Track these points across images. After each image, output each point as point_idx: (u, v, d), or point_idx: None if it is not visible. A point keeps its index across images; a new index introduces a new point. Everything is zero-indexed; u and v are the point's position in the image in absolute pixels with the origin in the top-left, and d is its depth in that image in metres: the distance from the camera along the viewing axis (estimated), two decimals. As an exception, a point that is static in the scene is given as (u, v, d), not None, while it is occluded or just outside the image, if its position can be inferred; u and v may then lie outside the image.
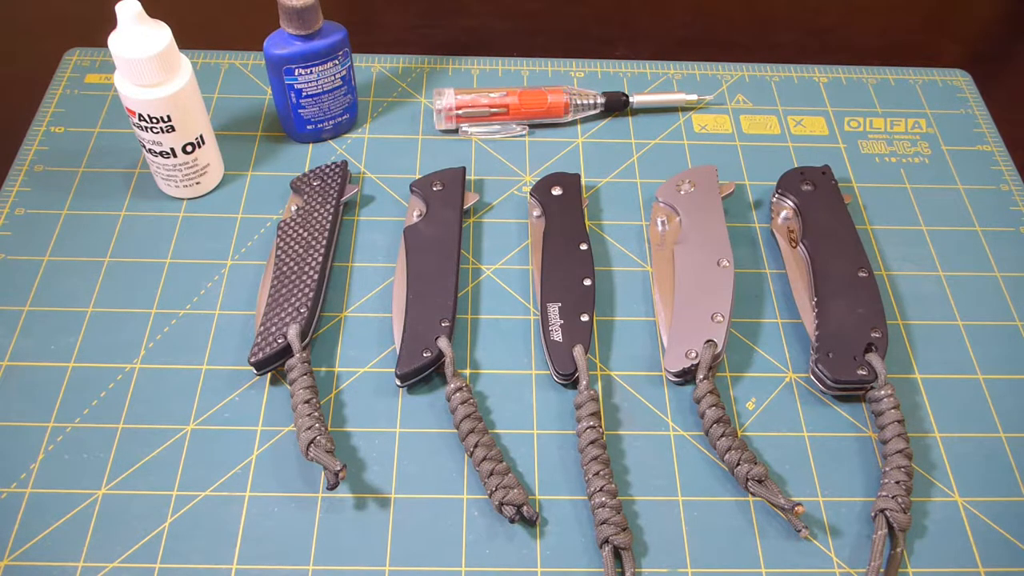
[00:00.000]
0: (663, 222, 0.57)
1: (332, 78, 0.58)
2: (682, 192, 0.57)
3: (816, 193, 0.57)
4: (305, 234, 0.54)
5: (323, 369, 0.50)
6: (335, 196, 0.56)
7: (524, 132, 0.63)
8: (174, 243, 0.56)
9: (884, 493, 0.45)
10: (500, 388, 0.50)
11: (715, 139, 0.64)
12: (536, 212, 0.57)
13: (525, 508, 0.44)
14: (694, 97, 0.65)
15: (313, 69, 0.57)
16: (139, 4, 0.49)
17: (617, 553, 0.43)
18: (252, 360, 0.48)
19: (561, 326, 0.50)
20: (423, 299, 0.51)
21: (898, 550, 0.44)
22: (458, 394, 0.47)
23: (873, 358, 0.49)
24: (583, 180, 0.60)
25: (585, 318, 0.51)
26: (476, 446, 0.46)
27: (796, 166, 0.60)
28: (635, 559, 0.44)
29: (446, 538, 0.44)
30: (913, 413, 0.50)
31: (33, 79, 0.66)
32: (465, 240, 0.56)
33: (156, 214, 0.57)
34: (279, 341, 0.49)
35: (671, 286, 0.53)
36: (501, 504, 0.44)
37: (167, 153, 0.55)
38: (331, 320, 0.52)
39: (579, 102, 0.63)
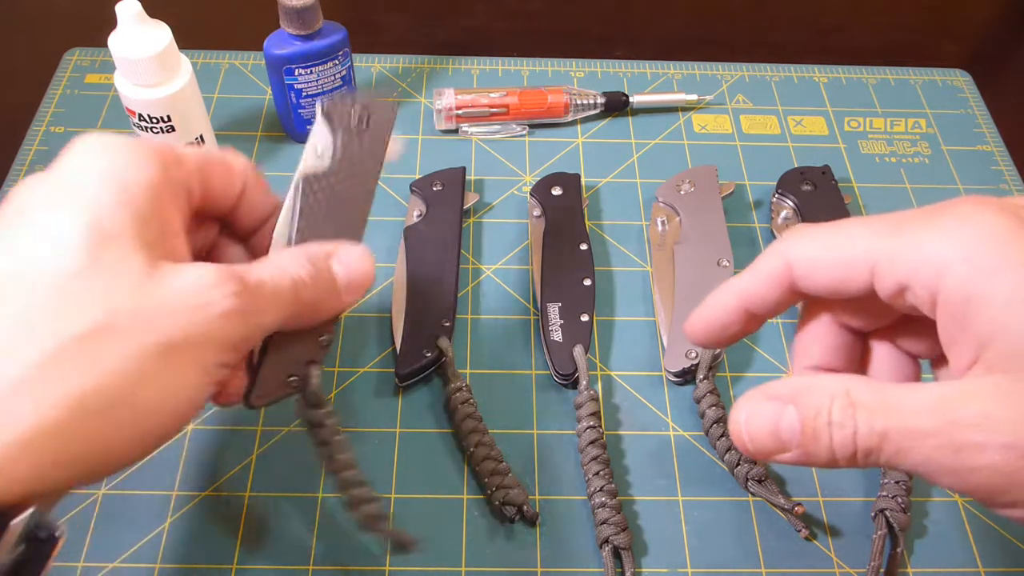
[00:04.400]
0: (663, 222, 0.57)
1: (332, 78, 0.58)
2: (682, 192, 0.57)
3: (816, 193, 0.57)
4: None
5: (323, 369, 0.50)
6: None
7: (524, 132, 0.63)
8: (174, 243, 0.56)
9: (884, 493, 0.45)
10: (500, 388, 0.50)
11: (715, 139, 0.64)
12: (536, 212, 0.57)
13: (525, 508, 0.44)
14: (694, 97, 0.65)
15: (313, 69, 0.57)
16: (139, 4, 0.49)
17: (617, 553, 0.43)
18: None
19: (561, 326, 0.50)
20: (423, 299, 0.51)
21: (898, 550, 0.44)
22: (458, 394, 0.47)
23: (873, 358, 0.49)
24: (583, 180, 0.60)
25: (585, 318, 0.51)
26: (476, 446, 0.46)
27: (796, 166, 0.60)
28: (635, 559, 0.44)
29: (446, 538, 0.44)
30: (913, 413, 0.50)
31: (33, 79, 0.66)
32: (465, 240, 0.56)
33: (156, 214, 0.57)
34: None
35: (671, 286, 0.53)
36: (501, 504, 0.44)
37: (167, 153, 0.54)
38: (331, 320, 0.52)
39: (579, 102, 0.63)
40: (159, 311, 0.27)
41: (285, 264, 0.32)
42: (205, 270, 0.28)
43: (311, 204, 0.35)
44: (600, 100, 0.63)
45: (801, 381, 0.27)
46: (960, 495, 0.23)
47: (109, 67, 0.66)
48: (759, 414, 0.28)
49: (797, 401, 0.27)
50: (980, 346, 0.25)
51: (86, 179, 0.28)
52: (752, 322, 0.32)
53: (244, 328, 0.29)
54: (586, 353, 0.49)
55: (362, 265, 0.34)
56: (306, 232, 0.35)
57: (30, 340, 0.25)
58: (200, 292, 0.28)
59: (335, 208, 0.36)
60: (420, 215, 0.56)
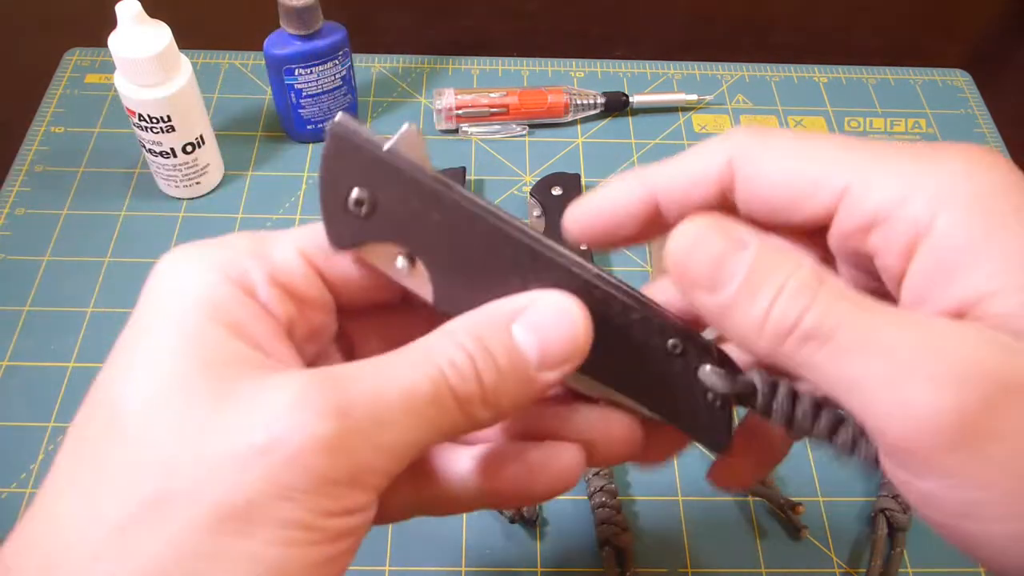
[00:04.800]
0: (663, 222, 0.57)
1: (332, 78, 0.58)
2: (682, 192, 0.57)
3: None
4: None
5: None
6: None
7: (524, 132, 0.63)
8: (174, 243, 0.56)
9: (884, 493, 0.45)
10: (500, 388, 0.50)
11: (715, 139, 0.64)
12: (536, 212, 0.57)
13: (525, 508, 0.44)
14: (694, 97, 0.65)
15: (313, 69, 0.57)
16: (139, 4, 0.49)
17: (617, 553, 0.43)
18: None
19: (561, 326, 0.50)
20: (423, 299, 0.51)
21: (898, 550, 0.44)
22: (458, 394, 0.47)
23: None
24: (583, 180, 0.60)
25: (585, 318, 0.51)
26: (476, 446, 0.46)
27: (796, 166, 0.60)
28: (635, 559, 0.44)
29: (446, 538, 0.44)
30: (913, 413, 0.50)
31: (33, 79, 0.66)
32: (465, 240, 0.56)
33: (156, 214, 0.57)
34: None
35: (671, 286, 0.53)
36: (501, 504, 0.44)
37: (167, 153, 0.55)
38: (331, 320, 0.52)
39: (579, 102, 0.63)
40: (215, 464, 0.20)
41: (426, 350, 0.22)
42: (281, 390, 0.20)
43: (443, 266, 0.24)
44: (600, 100, 0.63)
45: (770, 239, 0.22)
46: (867, 433, 0.21)
47: (109, 67, 0.66)
48: (712, 240, 0.22)
49: (762, 246, 0.22)
50: (967, 304, 0.20)
51: (148, 322, 0.22)
52: (653, 226, 0.25)
53: (347, 464, 0.20)
54: (586, 353, 0.49)
55: (562, 324, 0.23)
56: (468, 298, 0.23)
57: (109, 499, 0.20)
58: (266, 426, 0.20)
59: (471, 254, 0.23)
60: (420, 215, 0.56)
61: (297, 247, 0.24)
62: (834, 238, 0.23)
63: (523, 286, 0.23)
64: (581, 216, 0.25)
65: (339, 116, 0.23)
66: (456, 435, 0.23)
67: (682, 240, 0.22)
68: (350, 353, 0.27)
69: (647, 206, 0.25)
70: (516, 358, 0.22)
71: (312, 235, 0.24)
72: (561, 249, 0.24)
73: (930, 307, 0.21)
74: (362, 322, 0.26)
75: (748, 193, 0.24)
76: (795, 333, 0.21)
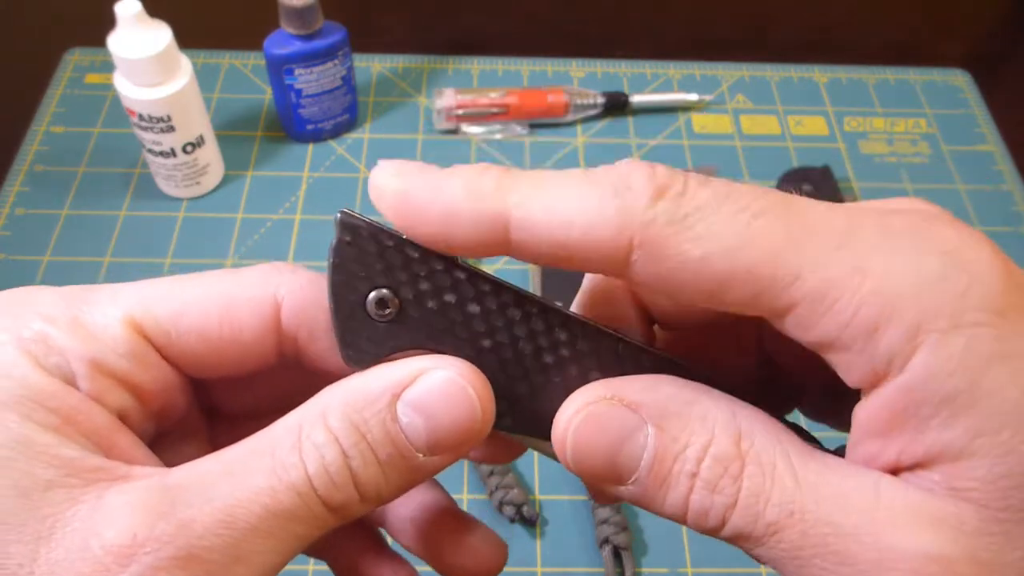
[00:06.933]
0: (663, 222, 0.57)
1: (332, 78, 0.58)
2: (682, 192, 0.57)
3: (816, 193, 0.57)
4: None
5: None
6: None
7: (524, 132, 0.63)
8: (174, 243, 0.56)
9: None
10: (500, 388, 0.50)
11: (715, 139, 0.64)
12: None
13: (525, 508, 0.44)
14: (694, 97, 0.65)
15: (313, 69, 0.57)
16: (139, 4, 0.49)
17: (617, 553, 0.43)
18: None
19: (561, 326, 0.50)
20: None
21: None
22: (458, 394, 0.47)
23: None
24: (583, 180, 0.60)
25: (585, 318, 0.51)
26: (476, 446, 0.46)
27: (796, 166, 0.60)
28: (635, 559, 0.44)
29: (446, 538, 0.44)
30: (913, 413, 0.50)
31: (33, 79, 0.66)
32: (465, 240, 0.56)
33: (156, 214, 0.57)
34: None
35: (671, 286, 0.53)
36: (501, 504, 0.44)
37: (167, 153, 0.55)
38: (331, 320, 0.52)
39: (579, 102, 0.63)
40: None
41: (292, 444, 0.18)
42: (112, 529, 0.17)
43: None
44: (600, 100, 0.63)
45: (677, 393, 0.18)
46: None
47: (109, 67, 0.66)
48: (601, 422, 0.18)
49: (662, 423, 0.18)
50: (933, 456, 0.17)
51: None
52: (493, 247, 0.18)
53: None
54: (586, 353, 0.49)
55: (456, 404, 0.19)
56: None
57: None
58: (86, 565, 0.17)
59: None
60: (420, 215, 0.56)
61: (125, 318, 0.20)
62: (768, 331, 0.19)
63: (583, 376, 0.20)
64: (405, 204, 0.18)
65: (342, 210, 0.19)
66: (335, 524, 0.19)
67: (562, 430, 0.19)
68: (213, 414, 0.24)
69: (496, 229, 0.18)
70: (401, 447, 0.19)
71: (144, 299, 0.20)
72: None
73: (888, 451, 0.17)
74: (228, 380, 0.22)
75: (654, 283, 0.18)
76: (724, 531, 0.18)
